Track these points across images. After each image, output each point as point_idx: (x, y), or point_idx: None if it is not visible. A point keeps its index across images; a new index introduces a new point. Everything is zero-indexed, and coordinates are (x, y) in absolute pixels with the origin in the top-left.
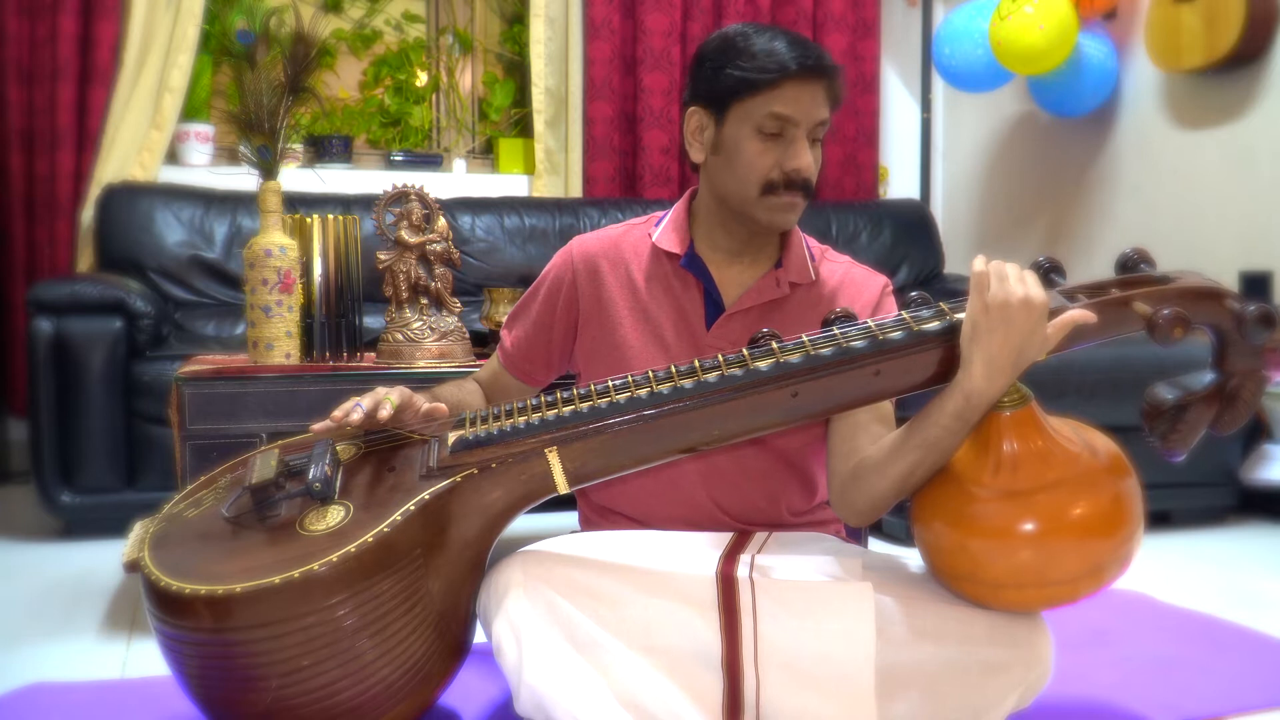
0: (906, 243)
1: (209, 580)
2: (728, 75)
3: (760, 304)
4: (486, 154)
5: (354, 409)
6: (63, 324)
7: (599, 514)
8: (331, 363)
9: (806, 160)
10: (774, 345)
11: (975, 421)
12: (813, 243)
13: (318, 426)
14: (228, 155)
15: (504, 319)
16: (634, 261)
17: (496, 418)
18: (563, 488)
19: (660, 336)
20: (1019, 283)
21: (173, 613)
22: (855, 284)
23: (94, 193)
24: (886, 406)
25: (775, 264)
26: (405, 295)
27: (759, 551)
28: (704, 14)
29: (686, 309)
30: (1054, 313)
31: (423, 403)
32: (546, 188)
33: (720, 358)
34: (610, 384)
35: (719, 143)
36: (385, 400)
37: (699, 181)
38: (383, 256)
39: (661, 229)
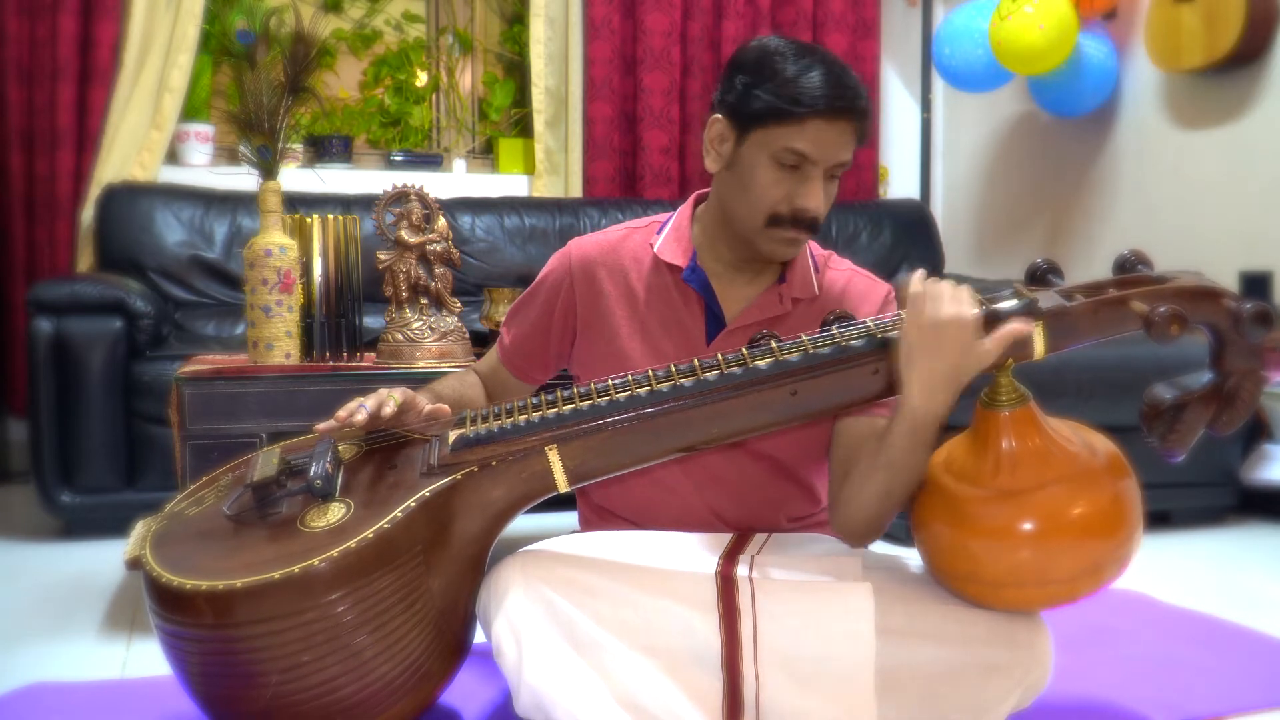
0: (906, 243)
1: (210, 576)
2: (756, 97)
3: (762, 320)
4: (486, 154)
5: (358, 409)
6: (63, 324)
7: (598, 514)
8: (331, 363)
9: (817, 201)
10: (773, 344)
11: (930, 439)
12: (817, 251)
13: (321, 426)
14: (228, 155)
15: (504, 318)
16: (633, 270)
17: (497, 416)
18: (562, 486)
19: (659, 349)
20: (951, 302)
21: (173, 608)
22: (857, 294)
23: (94, 193)
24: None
25: (779, 279)
26: (405, 295)
27: (759, 552)
28: (704, 14)
29: (686, 323)
30: (997, 323)
31: (425, 404)
32: (546, 188)
33: (720, 357)
34: (610, 383)
35: (735, 160)
36: (389, 399)
37: (711, 187)
38: (383, 256)
39: (664, 238)
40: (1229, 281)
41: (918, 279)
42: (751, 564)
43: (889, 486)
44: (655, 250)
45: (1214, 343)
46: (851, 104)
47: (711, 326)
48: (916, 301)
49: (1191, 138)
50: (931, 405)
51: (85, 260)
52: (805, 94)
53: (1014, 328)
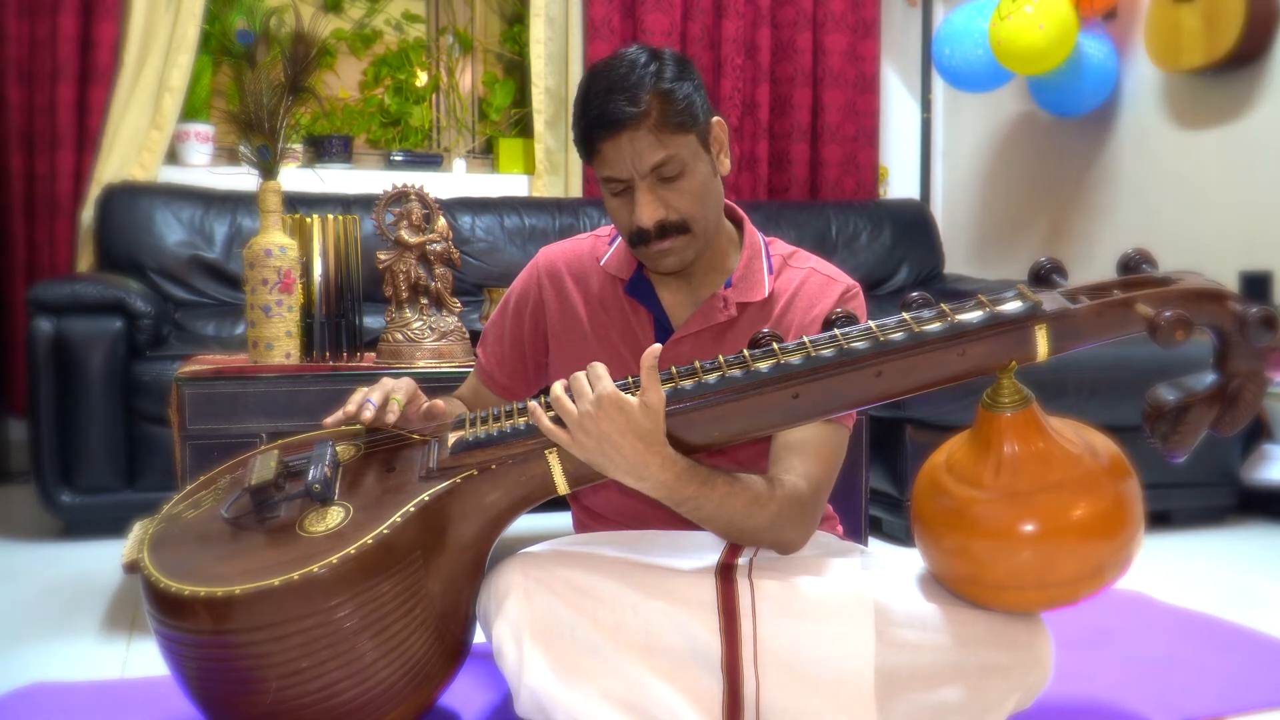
0: (906, 243)
1: (208, 582)
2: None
3: (707, 327)
4: (486, 154)
5: (366, 405)
6: (63, 324)
7: (591, 518)
8: (331, 363)
9: (644, 214)
10: (775, 346)
11: (694, 500)
12: (779, 249)
13: (329, 420)
14: (228, 155)
15: (479, 340)
16: (594, 278)
17: (496, 419)
18: (563, 489)
19: (621, 359)
20: (580, 397)
21: (172, 614)
22: (809, 295)
23: (94, 193)
24: (801, 433)
25: (727, 284)
26: (405, 295)
27: (758, 553)
28: (704, 14)
29: (637, 333)
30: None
31: (424, 399)
32: (546, 188)
33: (721, 359)
34: None
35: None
36: (393, 401)
37: None
38: (383, 256)
39: (612, 250)
40: (1229, 281)
41: (558, 388)
42: (751, 565)
43: (706, 525)
44: (601, 264)
45: (1218, 345)
46: (621, 114)
47: (660, 335)
48: (565, 415)
49: (1191, 138)
50: (645, 484)
51: (85, 260)
52: (585, 131)
53: (649, 352)
